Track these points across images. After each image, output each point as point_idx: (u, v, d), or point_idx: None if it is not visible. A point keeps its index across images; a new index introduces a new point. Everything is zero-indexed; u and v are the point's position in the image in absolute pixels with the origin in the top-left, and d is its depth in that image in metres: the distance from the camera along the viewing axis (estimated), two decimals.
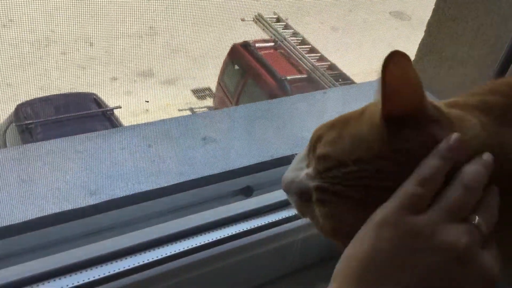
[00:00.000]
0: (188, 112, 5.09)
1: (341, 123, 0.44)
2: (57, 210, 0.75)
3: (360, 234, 0.40)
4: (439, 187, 0.39)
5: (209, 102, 5.18)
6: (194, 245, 0.72)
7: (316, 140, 0.45)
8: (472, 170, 0.39)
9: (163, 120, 1.02)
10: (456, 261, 0.37)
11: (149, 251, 0.72)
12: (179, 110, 4.98)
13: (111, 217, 0.76)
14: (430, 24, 1.07)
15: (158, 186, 0.82)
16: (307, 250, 0.80)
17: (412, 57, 1.18)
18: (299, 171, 0.46)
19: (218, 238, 0.73)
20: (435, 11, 1.05)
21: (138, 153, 0.94)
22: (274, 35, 5.03)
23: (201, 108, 5.11)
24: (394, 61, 0.38)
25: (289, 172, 0.47)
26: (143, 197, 0.79)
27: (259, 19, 5.12)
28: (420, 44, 1.11)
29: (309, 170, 0.44)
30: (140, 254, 0.72)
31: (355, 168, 0.40)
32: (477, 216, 0.39)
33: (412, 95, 0.40)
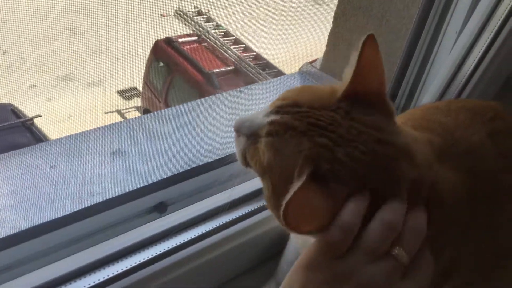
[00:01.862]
0: (116, 114, 4.90)
1: (305, 88, 0.51)
2: None
3: (290, 277, 0.42)
4: (358, 228, 0.41)
5: (137, 102, 5.01)
6: (105, 278, 0.67)
7: (278, 98, 0.50)
8: (392, 207, 0.42)
9: (67, 137, 0.94)
10: None
11: None
12: (105, 113, 4.78)
13: (7, 255, 0.68)
14: (336, 15, 1.06)
15: (63, 214, 0.75)
16: (228, 264, 0.77)
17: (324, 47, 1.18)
18: (255, 116, 0.49)
19: (129, 267, 0.67)
20: (341, 1, 1.05)
21: (40, 176, 0.86)
22: (196, 29, 4.95)
23: (129, 109, 4.94)
24: (370, 44, 0.44)
25: (246, 116, 0.50)
26: (44, 228, 0.72)
27: (180, 14, 5.00)
28: (329, 35, 1.10)
29: (264, 113, 0.48)
30: None
31: (306, 109, 0.45)
32: (396, 248, 0.41)
33: (378, 80, 0.46)
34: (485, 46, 0.84)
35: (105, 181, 0.85)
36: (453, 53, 0.90)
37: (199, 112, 1.05)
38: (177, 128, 1.01)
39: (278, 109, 0.47)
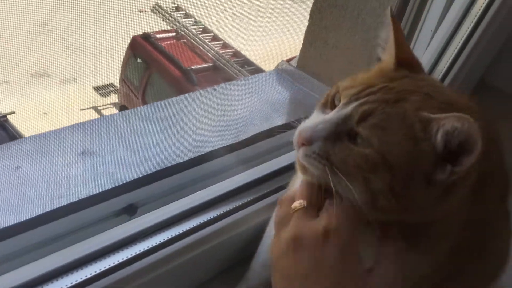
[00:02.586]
0: (92, 111, 4.81)
1: (355, 76, 0.51)
2: None
3: None
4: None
5: (114, 98, 4.94)
6: (72, 283, 0.64)
7: (333, 93, 0.50)
8: None
9: (33, 136, 0.91)
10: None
11: None
12: (81, 109, 4.69)
13: None
14: (312, 13, 1.05)
15: (29, 217, 0.72)
16: (199, 267, 0.75)
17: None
18: (318, 120, 0.47)
19: (97, 272, 0.65)
20: None
21: (4, 177, 0.82)
22: (175, 25, 4.89)
23: (106, 105, 4.86)
24: (394, 19, 0.51)
25: (307, 124, 0.48)
26: (9, 232, 0.69)
27: (157, 9, 4.93)
28: (305, 33, 1.09)
29: (337, 108, 0.47)
30: None
31: (383, 85, 0.46)
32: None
33: (407, 47, 0.53)
34: (459, 45, 0.84)
35: (72, 182, 0.82)
36: (428, 51, 0.90)
37: (172, 111, 1.02)
38: (149, 127, 0.98)
39: (355, 96, 0.46)
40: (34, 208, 0.77)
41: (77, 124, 0.98)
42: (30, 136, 0.93)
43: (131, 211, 0.74)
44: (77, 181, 0.83)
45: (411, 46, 0.95)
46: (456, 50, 0.84)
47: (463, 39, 0.82)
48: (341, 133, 0.45)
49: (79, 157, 0.88)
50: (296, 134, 0.48)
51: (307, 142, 0.46)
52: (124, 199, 0.75)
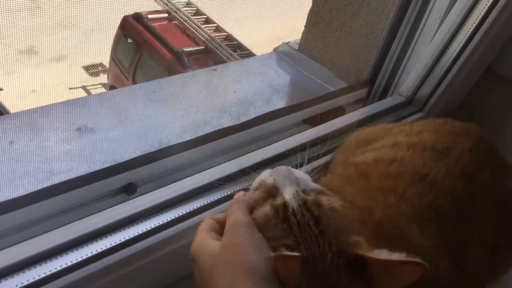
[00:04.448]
0: (81, 90, 4.75)
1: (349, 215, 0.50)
2: None
3: None
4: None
5: (103, 78, 4.87)
6: (68, 264, 0.62)
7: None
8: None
9: (27, 111, 0.88)
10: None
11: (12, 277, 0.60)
12: (70, 88, 4.63)
13: None
14: None
15: (23, 193, 0.69)
16: None
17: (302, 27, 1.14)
18: (297, 178, 0.52)
19: (94, 253, 0.62)
20: None
21: None
22: (167, 5, 4.81)
23: (95, 85, 4.80)
24: (413, 264, 0.42)
25: (292, 169, 0.53)
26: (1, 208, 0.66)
27: None
28: (308, 14, 1.06)
29: (301, 192, 0.49)
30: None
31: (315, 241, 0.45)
32: None
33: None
34: (470, 32, 0.82)
35: (68, 159, 0.80)
36: (436, 38, 0.88)
37: (171, 90, 1.00)
38: (148, 105, 0.95)
39: (303, 202, 0.48)
40: (28, 184, 0.75)
41: (71, 100, 0.95)
42: (23, 111, 0.90)
43: (130, 190, 0.72)
44: (73, 157, 0.80)
45: (418, 32, 0.93)
46: (465, 37, 0.82)
47: (474, 25, 0.81)
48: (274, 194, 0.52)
49: (75, 133, 0.85)
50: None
51: (274, 171, 0.55)
52: (123, 177, 0.72)
